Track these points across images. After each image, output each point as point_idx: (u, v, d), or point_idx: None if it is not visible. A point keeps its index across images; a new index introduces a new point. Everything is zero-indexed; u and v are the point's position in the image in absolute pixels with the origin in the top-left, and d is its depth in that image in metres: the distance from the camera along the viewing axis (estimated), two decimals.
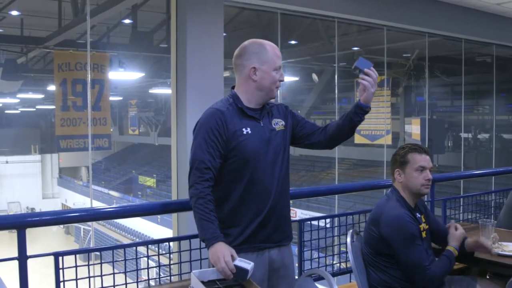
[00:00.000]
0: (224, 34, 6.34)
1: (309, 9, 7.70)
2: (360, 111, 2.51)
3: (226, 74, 7.07)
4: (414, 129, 10.27)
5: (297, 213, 16.11)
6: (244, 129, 2.45)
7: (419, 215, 2.92)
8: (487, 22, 10.03)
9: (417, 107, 10.50)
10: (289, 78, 8.88)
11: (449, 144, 11.63)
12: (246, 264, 2.24)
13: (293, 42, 10.17)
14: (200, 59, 5.93)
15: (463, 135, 11.32)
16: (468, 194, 4.67)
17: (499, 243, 3.07)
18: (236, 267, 2.22)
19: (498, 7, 9.65)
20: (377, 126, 10.38)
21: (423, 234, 2.87)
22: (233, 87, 2.58)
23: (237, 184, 2.45)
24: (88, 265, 2.64)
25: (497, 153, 12.45)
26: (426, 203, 3.65)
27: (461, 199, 5.16)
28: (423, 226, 2.91)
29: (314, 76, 12.45)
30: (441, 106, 11.53)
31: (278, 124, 2.57)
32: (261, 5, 7.34)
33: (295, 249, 3.11)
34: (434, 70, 10.41)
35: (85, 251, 2.79)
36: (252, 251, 2.45)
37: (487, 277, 3.26)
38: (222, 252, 2.25)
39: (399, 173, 2.89)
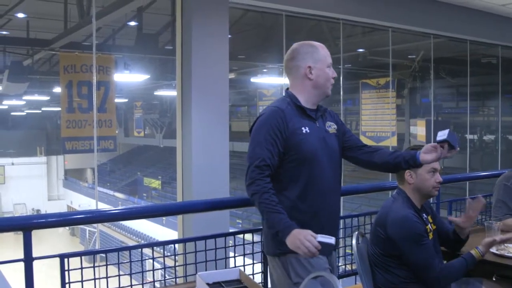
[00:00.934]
0: (229, 36, 6.34)
1: (313, 11, 7.71)
2: (414, 165, 2.59)
3: (231, 76, 7.06)
4: (419, 130, 10.26)
5: None
6: (303, 128, 2.50)
7: (426, 216, 2.93)
8: (492, 23, 10.01)
9: (422, 108, 10.48)
10: None
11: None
12: (328, 239, 2.29)
13: None
14: (205, 61, 5.93)
15: (469, 136, 11.29)
16: (474, 196, 4.65)
17: (505, 245, 3.06)
18: (321, 243, 2.27)
19: (503, 8, 9.63)
20: (382, 127, 10.37)
21: (430, 235, 2.87)
22: (287, 89, 2.65)
23: (294, 183, 2.48)
24: (94, 267, 2.65)
25: (503, 154, 12.42)
26: (432, 204, 3.65)
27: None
28: (430, 226, 2.91)
29: None
30: (446, 107, 11.51)
31: (331, 127, 2.65)
32: (266, 7, 7.34)
33: None
34: (439, 71, 10.41)
35: (91, 253, 2.80)
36: None
37: (493, 279, 3.25)
38: (302, 234, 2.29)
39: (410, 174, 2.89)
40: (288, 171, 2.47)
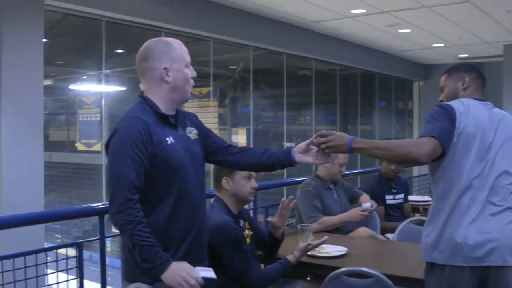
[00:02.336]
0: (46, 40, 6.00)
1: (135, 18, 7.58)
2: (289, 165, 2.50)
3: (48, 82, 6.70)
4: (240, 139, 10.55)
5: None
6: (167, 139, 2.23)
7: (243, 222, 3.00)
8: (307, 38, 10.67)
9: (243, 117, 10.81)
10: (115, 88, 8.64)
11: None
12: (208, 272, 2.17)
13: (120, 51, 9.95)
14: (17, 66, 5.54)
15: (286, 144, 11.89)
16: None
17: None
18: (204, 278, 2.13)
19: (316, 25, 10.32)
20: None
21: (248, 240, 2.94)
22: (141, 95, 2.33)
23: (163, 202, 2.22)
24: None
25: None
26: (249, 210, 3.76)
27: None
28: (247, 232, 2.98)
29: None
30: (265, 116, 11.99)
31: (192, 133, 2.40)
32: (86, 12, 7.07)
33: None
34: (259, 82, 10.82)
35: None
36: None
37: (308, 278, 3.43)
38: (184, 269, 2.11)
39: (227, 181, 2.94)
40: (156, 189, 2.21)
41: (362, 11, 9.17)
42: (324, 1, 8.60)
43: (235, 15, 8.83)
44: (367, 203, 4.18)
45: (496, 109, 2.47)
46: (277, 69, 11.10)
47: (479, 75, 2.58)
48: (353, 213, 4.07)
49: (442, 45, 12.82)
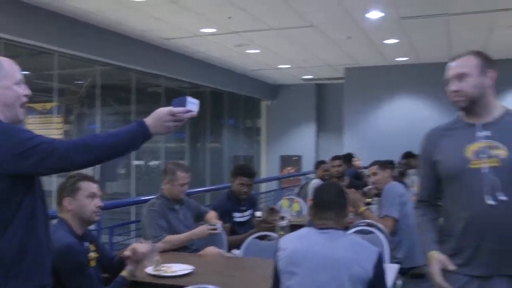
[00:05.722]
0: None
1: None
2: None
3: None
4: None
5: None
6: None
7: (88, 244, 2.90)
8: (156, 55, 10.63)
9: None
10: None
11: (123, 172, 11.88)
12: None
13: None
14: None
15: (135, 162, 11.70)
16: (134, 220, 4.82)
17: (163, 265, 3.24)
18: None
19: (167, 42, 10.33)
20: None
21: (92, 263, 2.85)
22: None
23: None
24: None
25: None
26: (94, 231, 3.65)
27: (132, 224, 5.29)
28: (92, 255, 2.89)
29: None
30: None
31: None
32: None
33: None
34: (106, 98, 10.56)
35: None
36: None
37: None
38: None
39: (69, 201, 2.83)
40: None
41: (212, 30, 9.34)
42: (174, 19, 8.63)
43: (83, 29, 8.54)
44: (217, 225, 4.22)
45: None
46: (126, 86, 10.92)
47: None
48: (200, 230, 4.10)
49: (288, 66, 13.44)
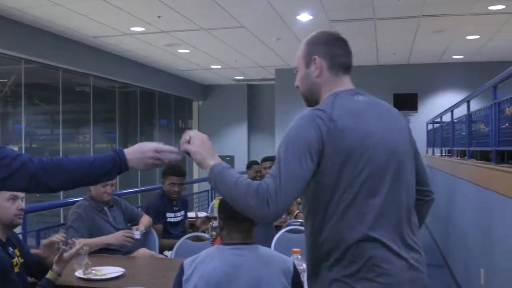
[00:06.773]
0: None
1: None
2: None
3: None
4: None
5: None
6: None
7: (12, 249, 2.80)
8: (84, 54, 10.38)
9: (15, 135, 10.06)
10: None
11: None
12: None
13: None
14: None
15: None
16: (63, 223, 4.68)
17: (92, 268, 3.16)
18: None
19: (95, 40, 10.10)
20: None
21: (17, 269, 2.75)
22: None
23: None
24: None
25: None
26: (19, 234, 3.51)
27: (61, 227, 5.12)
28: (17, 260, 2.78)
29: None
30: (40, 134, 11.29)
31: None
32: None
33: None
34: (33, 97, 10.21)
35: None
36: None
37: None
38: None
39: None
40: None
41: (141, 29, 9.21)
42: (102, 17, 8.46)
43: (6, 25, 8.22)
44: (136, 231, 4.10)
45: None
46: (53, 84, 10.59)
47: None
48: (115, 236, 3.97)
49: (219, 66, 13.45)
